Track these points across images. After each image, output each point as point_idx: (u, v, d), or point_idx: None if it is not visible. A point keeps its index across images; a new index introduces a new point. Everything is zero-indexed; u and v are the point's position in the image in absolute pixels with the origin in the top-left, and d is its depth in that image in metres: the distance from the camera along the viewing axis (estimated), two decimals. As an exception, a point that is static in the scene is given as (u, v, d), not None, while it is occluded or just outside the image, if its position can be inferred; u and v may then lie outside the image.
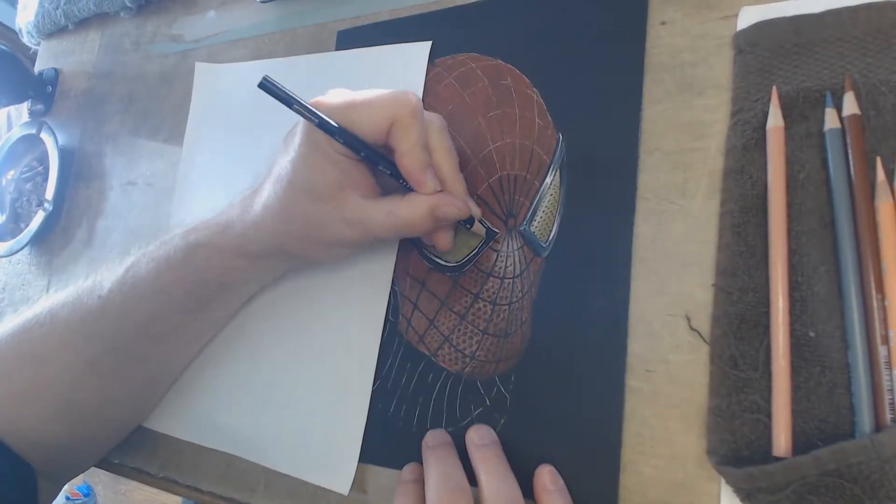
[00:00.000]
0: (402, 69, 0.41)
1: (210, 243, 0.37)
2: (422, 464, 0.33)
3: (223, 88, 0.51)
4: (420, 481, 0.33)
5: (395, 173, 0.33)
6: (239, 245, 0.37)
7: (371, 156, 0.33)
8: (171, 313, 0.39)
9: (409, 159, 0.32)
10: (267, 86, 0.31)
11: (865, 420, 0.25)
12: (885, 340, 0.25)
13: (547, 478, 0.31)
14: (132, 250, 0.40)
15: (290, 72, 0.47)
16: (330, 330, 0.40)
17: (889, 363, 0.25)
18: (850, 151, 0.28)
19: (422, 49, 0.41)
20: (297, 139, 0.34)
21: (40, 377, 0.38)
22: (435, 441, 0.34)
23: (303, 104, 0.31)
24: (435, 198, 0.33)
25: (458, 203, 0.33)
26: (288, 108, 0.31)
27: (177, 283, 0.38)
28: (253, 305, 0.44)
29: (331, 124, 0.32)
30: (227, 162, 0.49)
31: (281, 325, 0.42)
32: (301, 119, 0.33)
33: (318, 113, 0.31)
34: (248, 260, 0.37)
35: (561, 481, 0.31)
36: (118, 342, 0.39)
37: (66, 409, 0.39)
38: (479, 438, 0.33)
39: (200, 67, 0.52)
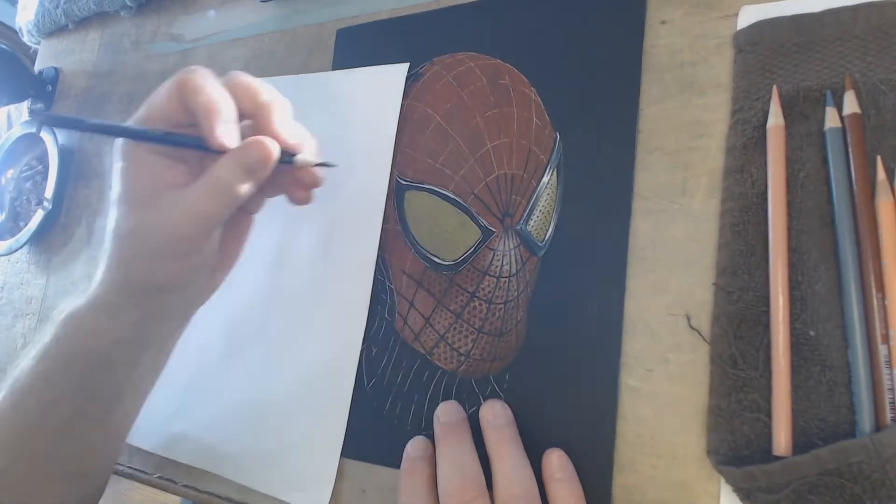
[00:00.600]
0: (380, 90, 0.42)
1: (74, 309, 0.35)
2: (430, 438, 0.33)
3: None
4: (427, 458, 0.32)
5: (198, 144, 0.32)
6: (98, 298, 0.34)
7: (156, 137, 0.33)
8: (61, 399, 0.35)
9: (203, 115, 0.31)
10: (51, 119, 0.31)
11: (866, 419, 0.25)
12: (886, 339, 0.25)
13: (556, 464, 0.30)
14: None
15: None
16: (307, 348, 0.40)
17: (889, 362, 0.25)
18: (850, 150, 0.28)
19: (399, 71, 0.41)
20: (114, 161, 0.34)
21: None
22: (447, 418, 0.32)
23: (93, 122, 0.32)
24: (237, 148, 0.32)
25: (255, 142, 0.32)
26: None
27: (55, 362, 0.35)
28: (228, 320, 0.43)
29: (128, 127, 0.32)
30: None
31: (258, 341, 0.42)
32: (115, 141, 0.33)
33: (102, 122, 0.33)
34: (107, 314, 0.34)
35: (570, 466, 0.30)
36: (21, 446, 0.35)
37: None
38: (494, 418, 0.32)
39: None
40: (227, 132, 0.31)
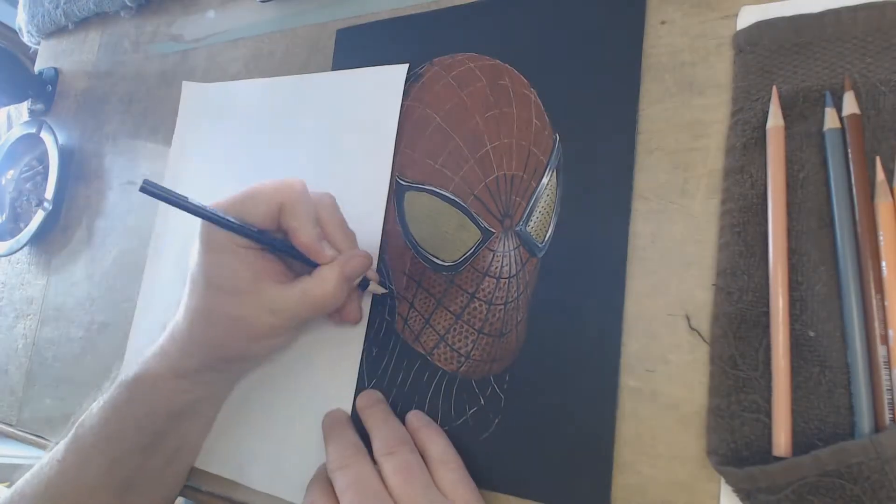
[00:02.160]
0: (379, 91, 0.42)
1: (148, 372, 0.37)
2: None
3: (208, 108, 0.51)
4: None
5: (296, 254, 0.35)
6: (175, 367, 0.36)
7: (268, 241, 0.34)
8: (127, 455, 0.37)
9: (302, 235, 0.34)
10: (151, 190, 0.31)
11: (864, 420, 0.25)
12: (885, 340, 0.25)
13: (413, 419, 0.35)
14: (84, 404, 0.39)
15: (273, 92, 0.47)
16: (308, 351, 0.40)
17: (888, 363, 0.25)
18: (849, 151, 0.28)
19: (399, 71, 0.41)
20: (198, 244, 0.35)
21: None
22: (331, 420, 0.37)
23: (195, 204, 0.32)
24: (338, 262, 0.35)
25: (358, 256, 0.35)
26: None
27: (125, 423, 0.37)
28: None
29: (226, 219, 0.33)
30: (209, 182, 0.49)
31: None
32: (199, 221, 0.34)
33: (211, 210, 0.33)
34: (188, 381, 0.37)
35: (426, 417, 0.35)
36: (82, 501, 0.37)
37: None
38: (365, 402, 0.37)
39: (187, 87, 0.52)
40: (328, 247, 0.35)
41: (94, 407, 0.38)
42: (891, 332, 0.25)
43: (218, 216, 0.33)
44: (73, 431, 0.38)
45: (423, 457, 0.33)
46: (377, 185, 0.40)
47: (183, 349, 0.36)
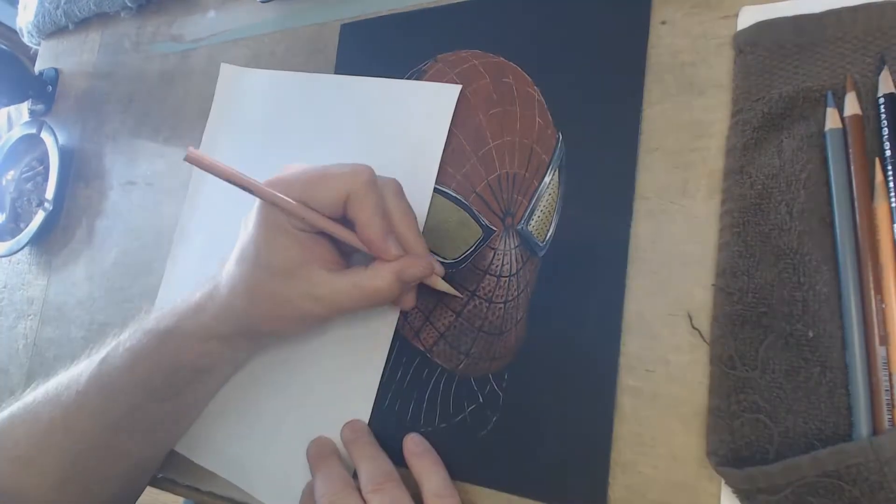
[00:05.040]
0: (430, 108, 0.40)
1: (181, 329, 0.37)
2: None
3: (246, 93, 0.50)
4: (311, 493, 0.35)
5: (357, 245, 0.34)
6: (209, 328, 0.36)
7: (330, 230, 0.33)
8: (148, 403, 0.38)
9: (368, 229, 0.33)
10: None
11: (862, 421, 0.25)
12: (884, 341, 0.25)
13: (411, 443, 0.34)
14: (108, 339, 0.40)
15: (314, 88, 0.46)
16: (327, 372, 0.40)
17: (887, 364, 0.25)
18: (850, 152, 0.28)
19: (451, 91, 0.39)
20: (254, 217, 0.34)
21: (24, 479, 0.38)
22: (316, 450, 0.37)
23: (258, 185, 0.32)
24: (398, 263, 0.33)
25: (421, 263, 0.34)
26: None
27: (152, 373, 0.37)
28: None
29: (287, 202, 0.32)
30: (243, 167, 0.48)
31: (278, 360, 0.41)
32: (256, 198, 0.33)
33: (276, 193, 0.32)
34: (219, 342, 0.37)
35: (425, 443, 0.34)
36: (99, 439, 0.38)
37: None
38: (350, 434, 0.36)
39: (226, 69, 0.51)
40: (395, 244, 0.33)
41: (120, 347, 0.38)
42: (890, 334, 0.25)
43: (287, 202, 0.32)
44: (97, 367, 0.38)
45: (419, 488, 0.32)
46: (417, 203, 0.37)
47: (218, 315, 0.36)
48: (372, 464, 0.34)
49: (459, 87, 0.39)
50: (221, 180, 0.32)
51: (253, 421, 0.41)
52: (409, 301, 0.36)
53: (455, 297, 0.36)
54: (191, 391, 0.40)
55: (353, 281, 0.33)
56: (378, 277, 0.33)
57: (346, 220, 0.34)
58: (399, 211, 0.34)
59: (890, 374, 0.25)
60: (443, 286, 0.36)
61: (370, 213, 0.33)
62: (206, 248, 0.48)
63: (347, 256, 0.36)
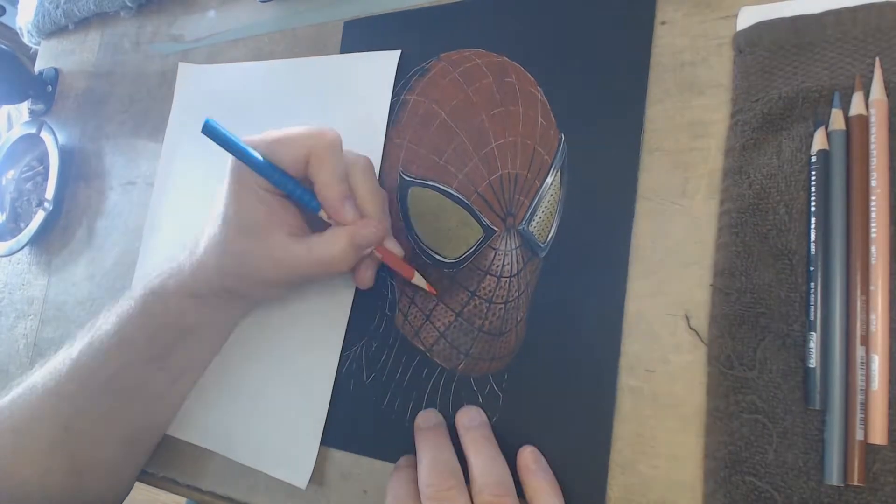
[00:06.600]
0: (371, 78, 0.42)
1: (163, 288, 0.38)
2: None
3: (206, 90, 0.51)
4: (414, 466, 0.33)
5: (316, 206, 0.34)
6: (187, 286, 0.37)
7: (289, 186, 0.34)
8: (136, 363, 0.39)
9: (326, 188, 0.33)
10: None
11: (836, 423, 0.25)
12: (864, 341, 0.26)
13: (529, 458, 0.31)
14: (102, 312, 0.40)
15: (269, 75, 0.48)
16: (294, 332, 0.41)
17: (865, 365, 0.25)
18: (850, 152, 0.28)
19: (390, 58, 0.41)
20: (227, 177, 0.35)
21: (18, 448, 0.38)
22: (426, 423, 0.34)
23: (238, 144, 0.33)
24: (352, 227, 0.34)
25: (373, 224, 0.34)
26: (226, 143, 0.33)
27: (137, 332, 0.38)
28: None
29: (254, 157, 0.33)
30: (207, 162, 0.49)
31: (249, 328, 0.43)
32: (229, 156, 0.34)
33: (244, 146, 0.33)
34: (197, 301, 0.38)
35: (543, 461, 0.31)
36: (88, 402, 0.39)
37: (43, 482, 0.39)
38: (469, 420, 0.33)
39: (183, 68, 0.53)
40: (351, 208, 0.34)
41: (110, 314, 0.39)
42: (871, 328, 0.26)
43: (253, 157, 0.33)
44: (87, 335, 0.39)
45: None
46: None
47: (196, 273, 0.37)
48: (491, 466, 0.30)
49: (398, 52, 0.41)
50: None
51: (235, 393, 0.42)
52: (367, 278, 0.37)
53: (431, 293, 0.37)
54: (178, 354, 0.40)
55: (307, 245, 0.34)
56: (331, 242, 0.34)
57: (309, 183, 0.34)
58: (364, 186, 0.35)
59: (867, 371, 0.25)
60: (418, 280, 0.36)
61: (329, 173, 0.33)
62: (176, 235, 0.49)
63: (314, 227, 0.36)
